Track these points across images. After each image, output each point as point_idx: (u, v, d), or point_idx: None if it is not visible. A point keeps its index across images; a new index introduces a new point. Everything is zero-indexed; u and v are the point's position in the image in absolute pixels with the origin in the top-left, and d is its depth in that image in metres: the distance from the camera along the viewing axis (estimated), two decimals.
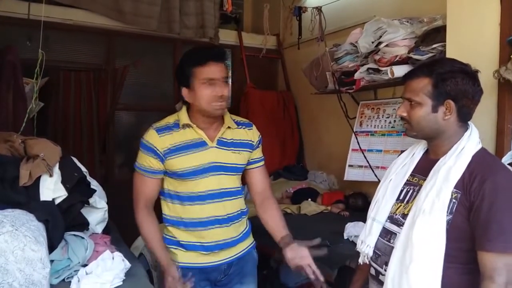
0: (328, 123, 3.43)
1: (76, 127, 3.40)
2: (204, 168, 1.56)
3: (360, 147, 2.69)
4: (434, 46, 2.02)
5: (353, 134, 2.76)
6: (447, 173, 1.16)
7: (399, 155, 1.45)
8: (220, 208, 1.60)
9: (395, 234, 1.24)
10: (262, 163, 1.74)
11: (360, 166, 2.71)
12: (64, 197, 1.58)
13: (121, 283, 1.40)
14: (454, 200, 1.13)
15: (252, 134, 1.70)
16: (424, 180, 1.24)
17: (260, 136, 1.74)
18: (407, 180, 1.31)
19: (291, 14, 3.52)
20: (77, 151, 3.30)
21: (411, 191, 1.28)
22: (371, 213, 1.36)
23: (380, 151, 2.59)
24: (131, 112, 3.81)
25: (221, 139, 1.61)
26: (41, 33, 2.01)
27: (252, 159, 1.70)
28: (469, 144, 1.20)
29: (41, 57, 2.04)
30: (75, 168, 1.73)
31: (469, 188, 1.12)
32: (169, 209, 1.63)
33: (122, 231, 1.98)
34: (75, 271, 1.43)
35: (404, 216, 1.23)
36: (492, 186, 1.09)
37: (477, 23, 1.60)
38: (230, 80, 1.54)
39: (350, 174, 2.77)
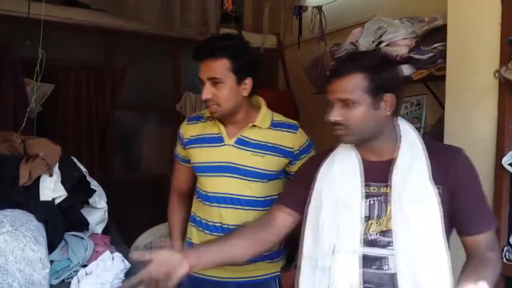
0: (329, 123, 3.41)
1: (76, 126, 3.39)
2: (219, 167, 1.43)
3: None
4: (434, 45, 2.01)
5: None
6: (418, 168, 1.08)
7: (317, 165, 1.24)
8: (234, 217, 1.43)
9: (386, 258, 1.06)
10: None
11: None
12: (64, 197, 1.58)
13: (121, 283, 1.40)
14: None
15: (293, 139, 1.47)
16: (386, 187, 1.10)
17: (308, 142, 1.52)
18: (364, 193, 1.12)
19: (291, 13, 3.51)
20: (77, 151, 3.30)
21: (377, 203, 1.11)
22: (326, 247, 1.11)
23: None
24: (130, 112, 3.81)
25: (242, 137, 1.44)
26: (41, 32, 2.01)
27: (292, 172, 1.49)
28: (411, 134, 1.15)
29: (41, 56, 2.04)
30: (75, 168, 1.73)
31: (445, 180, 1.08)
32: (194, 206, 1.60)
33: (122, 231, 1.98)
34: (75, 271, 1.43)
35: (385, 233, 1.08)
36: (463, 172, 1.09)
37: (478, 23, 1.60)
38: (228, 79, 1.36)
39: None
